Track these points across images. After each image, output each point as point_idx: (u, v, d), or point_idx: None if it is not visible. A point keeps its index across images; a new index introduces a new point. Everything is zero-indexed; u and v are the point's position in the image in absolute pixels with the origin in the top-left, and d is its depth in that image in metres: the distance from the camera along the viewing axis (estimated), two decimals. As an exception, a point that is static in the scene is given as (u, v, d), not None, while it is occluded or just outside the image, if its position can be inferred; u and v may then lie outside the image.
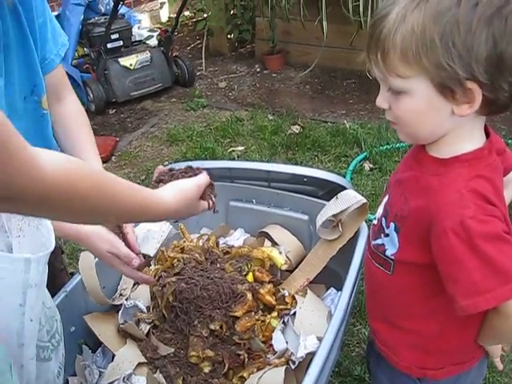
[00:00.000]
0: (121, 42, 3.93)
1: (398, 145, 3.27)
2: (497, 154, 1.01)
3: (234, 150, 3.39)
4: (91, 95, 3.85)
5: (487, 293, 0.93)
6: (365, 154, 3.22)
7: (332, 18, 3.79)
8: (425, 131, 0.98)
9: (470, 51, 0.85)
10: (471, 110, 0.90)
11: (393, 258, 1.07)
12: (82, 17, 3.82)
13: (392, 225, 1.06)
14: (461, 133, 0.97)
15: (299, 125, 3.62)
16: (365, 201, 1.59)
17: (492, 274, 0.93)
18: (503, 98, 0.90)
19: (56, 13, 3.90)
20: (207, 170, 1.87)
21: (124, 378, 1.36)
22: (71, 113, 1.40)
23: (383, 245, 1.09)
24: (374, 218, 1.17)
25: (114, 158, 3.42)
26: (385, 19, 0.90)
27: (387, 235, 1.08)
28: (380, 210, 1.14)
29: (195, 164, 1.92)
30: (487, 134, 1.01)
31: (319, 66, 4.27)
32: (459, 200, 0.93)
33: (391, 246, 1.07)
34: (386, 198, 1.13)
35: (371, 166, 3.14)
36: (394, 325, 1.15)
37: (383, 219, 1.10)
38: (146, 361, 1.45)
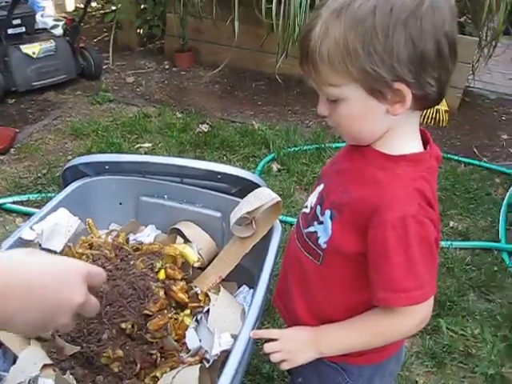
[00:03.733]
0: (23, 29, 3.73)
1: (305, 147, 3.34)
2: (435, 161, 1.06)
3: (141, 147, 3.32)
4: (-12, 84, 3.63)
5: (402, 292, 0.99)
6: (273, 155, 3.26)
7: (244, 19, 3.81)
8: (364, 132, 1.02)
9: (391, 54, 0.89)
10: (404, 108, 0.95)
11: (324, 246, 1.08)
12: (-19, -1, 3.60)
13: (328, 212, 1.07)
14: (400, 128, 1.01)
15: (208, 124, 3.61)
16: (279, 199, 1.60)
17: (411, 276, 0.98)
18: (432, 93, 0.95)
19: (-49, -8, 3.66)
20: (118, 163, 1.83)
21: (30, 380, 1.27)
22: None
23: (316, 232, 1.10)
24: (306, 207, 1.18)
25: (13, 150, 3.22)
26: (310, 33, 0.94)
27: (321, 222, 1.09)
28: (313, 199, 1.15)
29: (107, 157, 1.88)
30: (427, 140, 1.06)
31: (229, 66, 4.29)
32: (405, 196, 0.97)
33: (324, 233, 1.08)
34: (320, 187, 1.15)
35: (279, 166, 3.18)
36: (315, 314, 1.16)
37: (318, 207, 1.12)
38: (52, 362, 1.37)
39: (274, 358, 1.15)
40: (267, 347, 1.16)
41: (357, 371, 1.20)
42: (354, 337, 1.11)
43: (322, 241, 1.09)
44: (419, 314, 1.04)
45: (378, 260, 1.00)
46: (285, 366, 1.16)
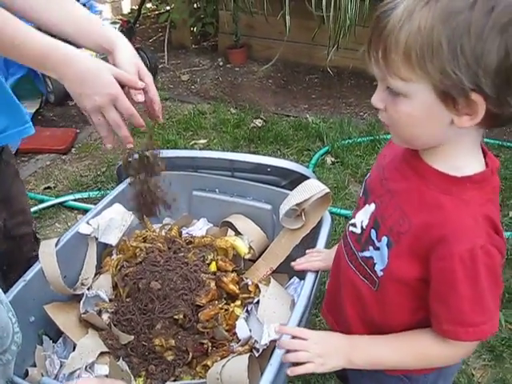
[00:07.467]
0: (81, 33, 3.84)
1: (359, 139, 3.32)
2: None
3: (196, 143, 3.37)
4: (50, 86, 3.76)
5: (470, 326, 0.94)
6: (327, 148, 3.25)
7: (295, 13, 3.80)
8: (420, 138, 0.92)
9: (478, 60, 0.78)
10: (472, 122, 0.84)
11: (380, 274, 1.03)
12: (41, 5, 3.73)
13: (385, 239, 1.00)
14: (462, 145, 0.92)
15: (262, 119, 3.63)
16: (328, 190, 1.60)
17: (479, 310, 0.94)
18: (508, 114, 0.84)
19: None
20: (170, 159, 1.87)
21: (86, 366, 1.33)
22: None
23: (372, 258, 1.04)
24: (354, 225, 1.11)
25: (73, 149, 3.36)
26: (391, 14, 0.82)
27: (377, 248, 1.03)
28: (363, 218, 1.08)
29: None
30: (484, 152, 0.96)
31: (282, 61, 4.29)
32: (474, 227, 0.90)
33: (380, 261, 1.02)
34: (371, 207, 1.06)
35: (333, 159, 3.17)
36: (372, 330, 1.11)
37: (373, 231, 1.04)
38: (108, 350, 1.42)
39: (301, 356, 1.07)
40: (296, 343, 1.10)
41: (422, 379, 1.16)
42: (392, 354, 1.05)
43: (378, 268, 1.03)
44: (471, 347, 1.01)
45: (444, 292, 0.94)
46: (300, 371, 1.07)
